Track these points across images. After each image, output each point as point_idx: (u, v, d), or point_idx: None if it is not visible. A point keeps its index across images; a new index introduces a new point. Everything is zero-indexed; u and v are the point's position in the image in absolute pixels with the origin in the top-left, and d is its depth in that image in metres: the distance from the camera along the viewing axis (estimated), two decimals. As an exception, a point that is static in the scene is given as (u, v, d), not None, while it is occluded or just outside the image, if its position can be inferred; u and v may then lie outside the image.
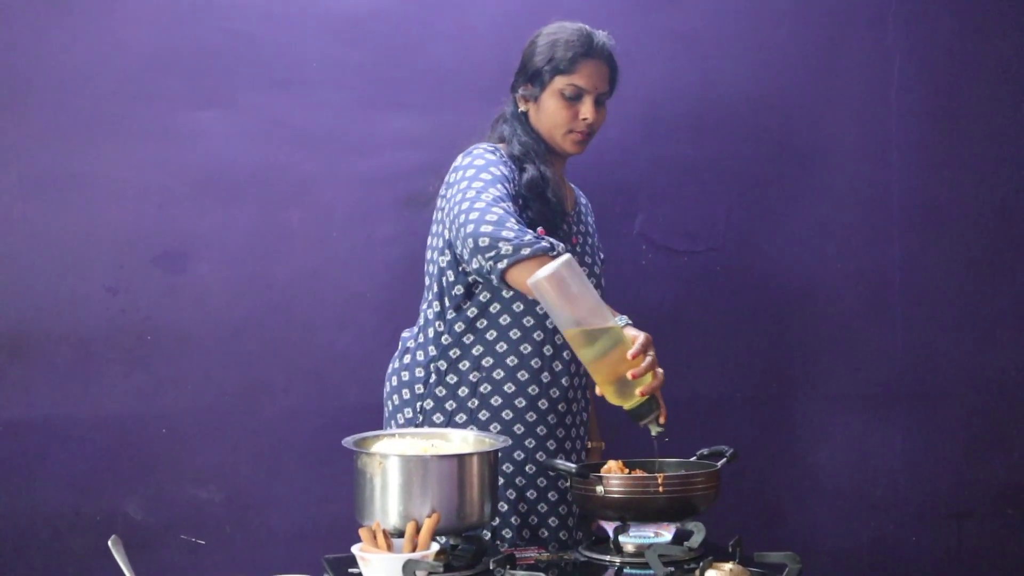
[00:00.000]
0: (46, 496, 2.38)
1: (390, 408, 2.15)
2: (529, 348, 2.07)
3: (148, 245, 2.45)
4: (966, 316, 2.76)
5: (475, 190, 1.94)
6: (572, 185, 2.31)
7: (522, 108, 2.19)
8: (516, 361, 2.07)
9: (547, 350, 2.08)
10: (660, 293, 2.66)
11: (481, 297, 2.08)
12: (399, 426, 2.10)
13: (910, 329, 2.74)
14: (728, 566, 1.54)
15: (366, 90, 2.53)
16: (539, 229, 1.96)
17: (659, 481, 1.73)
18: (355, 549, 1.61)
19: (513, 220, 1.86)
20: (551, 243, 1.85)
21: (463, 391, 2.07)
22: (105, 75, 2.43)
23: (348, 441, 1.79)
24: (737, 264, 2.69)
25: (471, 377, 2.07)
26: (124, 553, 1.57)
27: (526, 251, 1.81)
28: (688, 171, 2.68)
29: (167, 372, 2.44)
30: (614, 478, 1.75)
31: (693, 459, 1.92)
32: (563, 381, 2.10)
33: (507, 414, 2.06)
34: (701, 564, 1.55)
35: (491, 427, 2.05)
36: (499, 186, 1.97)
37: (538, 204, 2.07)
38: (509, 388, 2.06)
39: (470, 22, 2.59)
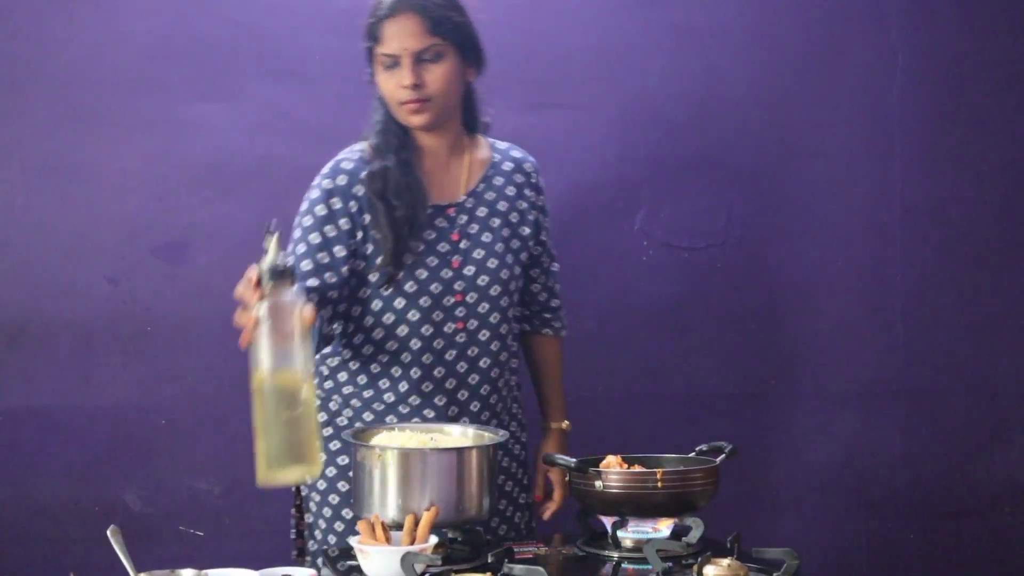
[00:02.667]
0: (45, 486, 2.38)
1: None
2: (407, 329, 1.98)
3: (149, 236, 2.45)
4: (966, 315, 2.76)
5: (294, 239, 1.98)
6: (497, 154, 2.11)
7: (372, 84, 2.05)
8: (395, 345, 1.99)
9: (425, 329, 1.98)
10: (660, 289, 2.66)
11: (359, 293, 2.01)
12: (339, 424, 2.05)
13: (910, 327, 2.74)
14: (726, 562, 1.54)
15: (367, 83, 2.53)
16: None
17: (658, 476, 1.73)
18: (354, 541, 1.61)
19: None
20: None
21: (348, 389, 2.04)
22: (107, 66, 2.43)
23: (347, 434, 1.80)
24: (738, 261, 2.69)
25: (352, 365, 2.02)
26: (123, 543, 1.57)
27: None
28: (689, 168, 2.68)
29: (167, 363, 2.44)
30: (613, 473, 1.75)
31: (692, 455, 1.92)
32: (447, 356, 1.99)
33: (388, 397, 2.00)
34: (699, 560, 1.55)
35: (377, 412, 2.00)
36: (308, 239, 1.95)
37: (380, 207, 1.94)
38: (396, 372, 1.99)
39: (471, 15, 2.58)
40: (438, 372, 1.99)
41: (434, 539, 1.62)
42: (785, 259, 2.72)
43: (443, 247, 2.00)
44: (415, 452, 1.68)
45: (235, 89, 2.48)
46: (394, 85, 1.95)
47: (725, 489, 1.86)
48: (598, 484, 1.74)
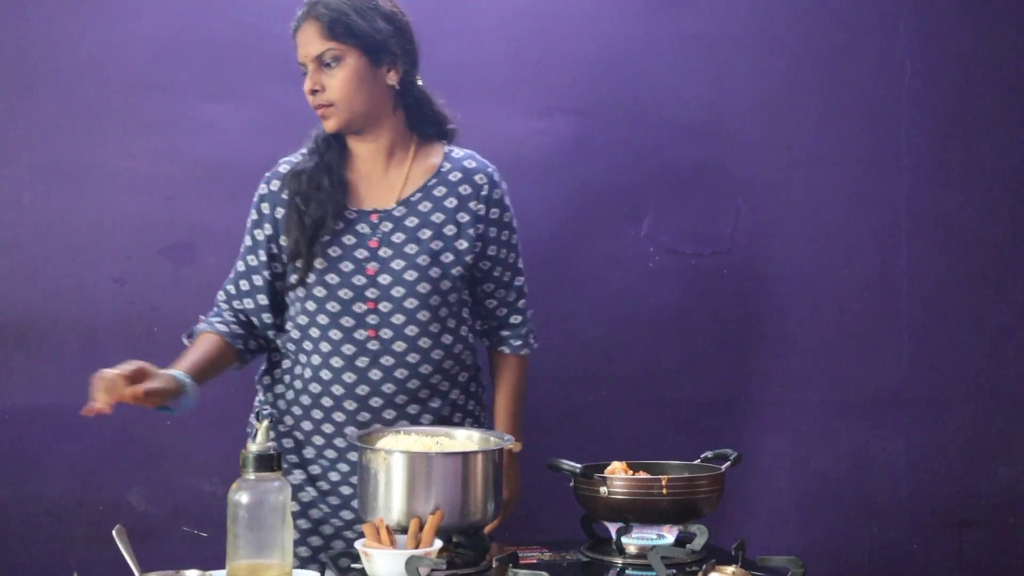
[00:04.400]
0: (50, 485, 2.39)
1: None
2: (317, 332, 1.98)
3: (156, 236, 2.45)
4: (972, 323, 2.76)
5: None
6: (442, 166, 2.05)
7: None
8: (310, 346, 2.00)
9: (334, 334, 1.97)
10: (666, 296, 2.66)
11: (291, 311, 2.04)
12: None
13: (916, 336, 2.74)
14: (731, 569, 1.54)
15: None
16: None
17: (663, 483, 1.72)
18: (358, 544, 1.61)
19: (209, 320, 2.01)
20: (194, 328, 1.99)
21: (280, 388, 2.06)
22: (115, 66, 2.44)
23: (353, 436, 1.80)
24: (744, 268, 2.69)
25: (287, 379, 2.04)
26: (128, 543, 1.57)
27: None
28: (696, 174, 2.68)
29: (172, 363, 2.44)
30: (618, 479, 1.75)
31: (697, 462, 1.92)
32: (358, 362, 1.97)
33: (327, 401, 1.99)
34: (704, 567, 1.55)
35: (314, 421, 2.01)
36: (246, 259, 2.05)
37: (294, 205, 1.98)
38: (308, 374, 2.00)
39: (480, 20, 2.59)
40: (351, 378, 1.97)
41: (438, 543, 1.62)
42: (791, 266, 2.72)
43: (361, 253, 1.98)
44: (420, 456, 1.67)
45: (243, 90, 2.48)
46: (307, 92, 1.97)
47: (730, 496, 1.86)
48: (603, 490, 1.74)
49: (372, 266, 1.97)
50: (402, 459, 1.66)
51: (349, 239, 1.98)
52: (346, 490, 2.00)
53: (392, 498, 1.66)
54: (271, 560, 1.42)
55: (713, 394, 2.67)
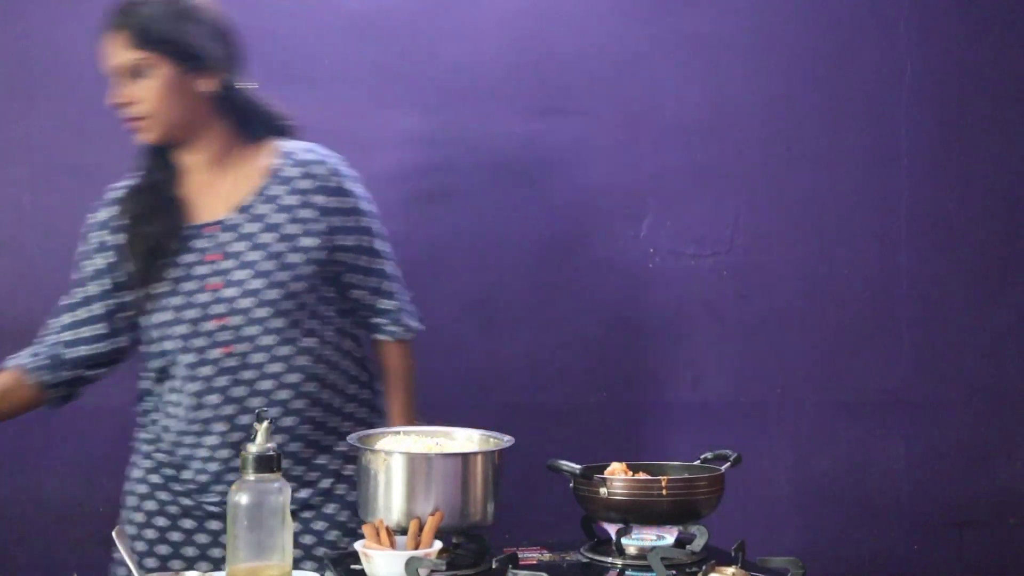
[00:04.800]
0: (50, 486, 2.39)
1: None
2: (172, 357, 1.91)
3: (156, 238, 2.45)
4: (972, 325, 2.76)
5: None
6: (276, 165, 1.95)
7: None
8: (168, 371, 1.93)
9: (187, 357, 1.89)
10: (666, 296, 2.66)
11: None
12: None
13: (915, 337, 2.74)
14: (730, 570, 1.54)
15: (375, 87, 2.54)
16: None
17: (663, 484, 1.72)
18: (358, 545, 1.61)
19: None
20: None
21: (153, 416, 2.01)
22: (116, 67, 2.44)
23: (352, 438, 1.80)
24: (743, 269, 2.69)
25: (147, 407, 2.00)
26: (128, 544, 1.57)
27: None
28: (696, 175, 2.68)
29: None
30: (617, 480, 1.75)
31: (697, 462, 1.91)
32: (216, 383, 1.88)
33: (196, 427, 1.91)
34: (704, 568, 1.54)
35: (189, 446, 1.93)
36: (74, 291, 1.97)
37: (131, 230, 1.91)
38: (175, 399, 1.93)
39: (480, 21, 2.59)
40: (215, 399, 1.89)
41: (438, 544, 1.62)
42: (791, 268, 2.72)
43: (201, 269, 1.89)
44: (420, 457, 1.67)
45: (244, 92, 2.48)
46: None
47: (730, 497, 1.86)
48: (603, 491, 1.74)
49: (214, 281, 1.88)
50: (402, 460, 1.66)
51: (188, 257, 1.89)
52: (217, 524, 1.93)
53: (392, 499, 1.66)
54: (271, 561, 1.42)
55: (713, 395, 2.67)
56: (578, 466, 1.79)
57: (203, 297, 1.88)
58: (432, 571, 1.53)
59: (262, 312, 1.87)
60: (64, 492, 2.39)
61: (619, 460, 1.86)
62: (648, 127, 2.65)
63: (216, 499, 1.92)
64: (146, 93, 1.85)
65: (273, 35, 2.50)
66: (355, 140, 2.52)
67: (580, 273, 2.61)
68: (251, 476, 1.43)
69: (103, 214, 1.97)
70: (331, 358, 1.96)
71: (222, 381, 1.88)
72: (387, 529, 1.63)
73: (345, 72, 2.52)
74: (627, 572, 1.70)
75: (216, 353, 1.88)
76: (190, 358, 1.89)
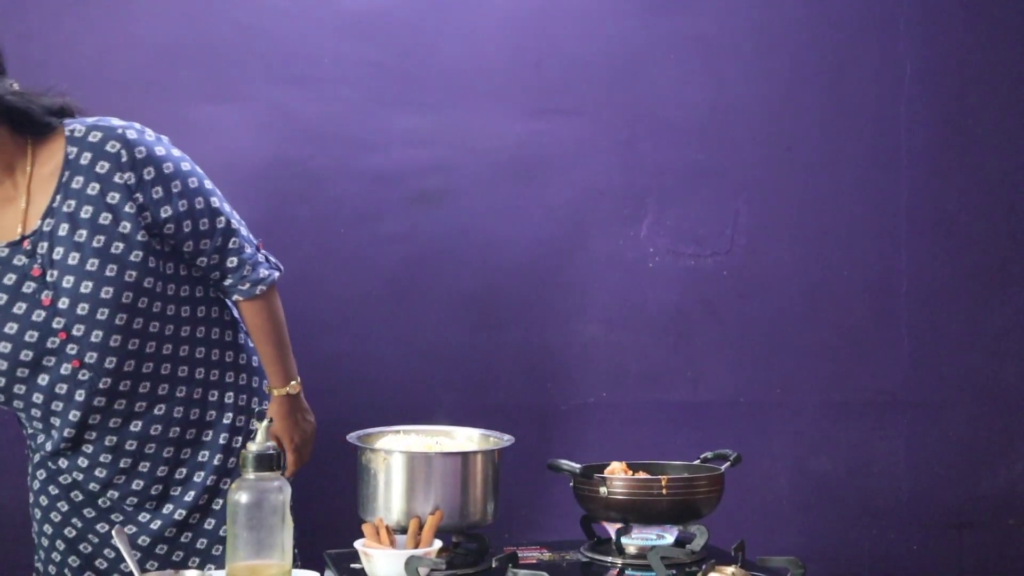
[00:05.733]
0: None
1: None
2: (23, 388, 1.80)
3: (156, 237, 2.45)
4: (972, 325, 2.76)
5: None
6: (68, 155, 1.76)
7: None
8: (29, 408, 1.83)
9: (42, 379, 1.79)
10: (666, 296, 2.66)
11: None
12: None
13: (915, 337, 2.74)
14: (730, 570, 1.54)
15: (377, 87, 2.54)
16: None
17: (663, 483, 1.73)
18: (358, 544, 1.61)
19: None
20: None
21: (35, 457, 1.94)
22: (117, 68, 2.44)
23: (352, 437, 1.80)
24: (744, 269, 2.69)
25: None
26: (128, 543, 1.58)
27: None
28: (696, 175, 2.68)
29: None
30: (617, 479, 1.75)
31: (697, 462, 1.92)
32: (77, 398, 1.79)
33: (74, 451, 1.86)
34: (704, 567, 1.55)
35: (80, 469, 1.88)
36: None
37: None
38: (61, 430, 1.84)
39: (480, 21, 2.59)
40: (92, 419, 1.81)
41: (438, 543, 1.62)
42: (791, 268, 2.72)
43: (28, 287, 1.75)
44: (420, 456, 1.68)
45: (244, 92, 2.49)
46: None
47: (729, 497, 1.86)
48: (603, 490, 1.74)
49: (46, 295, 1.74)
50: (402, 459, 1.67)
51: (10, 278, 1.75)
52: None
53: (392, 498, 1.66)
54: (271, 560, 1.42)
55: (713, 395, 2.67)
56: (578, 465, 1.79)
57: (39, 315, 1.75)
58: (432, 570, 1.53)
59: (102, 314, 1.74)
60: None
61: (619, 459, 1.87)
62: (648, 127, 2.65)
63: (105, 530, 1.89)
64: None
65: (274, 34, 2.50)
66: (356, 138, 2.53)
67: (580, 272, 2.61)
68: (251, 475, 1.43)
69: None
70: (190, 338, 1.87)
71: (82, 395, 1.79)
72: (387, 528, 1.63)
73: (346, 70, 2.52)
74: (627, 571, 1.70)
75: (68, 368, 1.77)
76: (43, 380, 1.79)
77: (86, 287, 1.73)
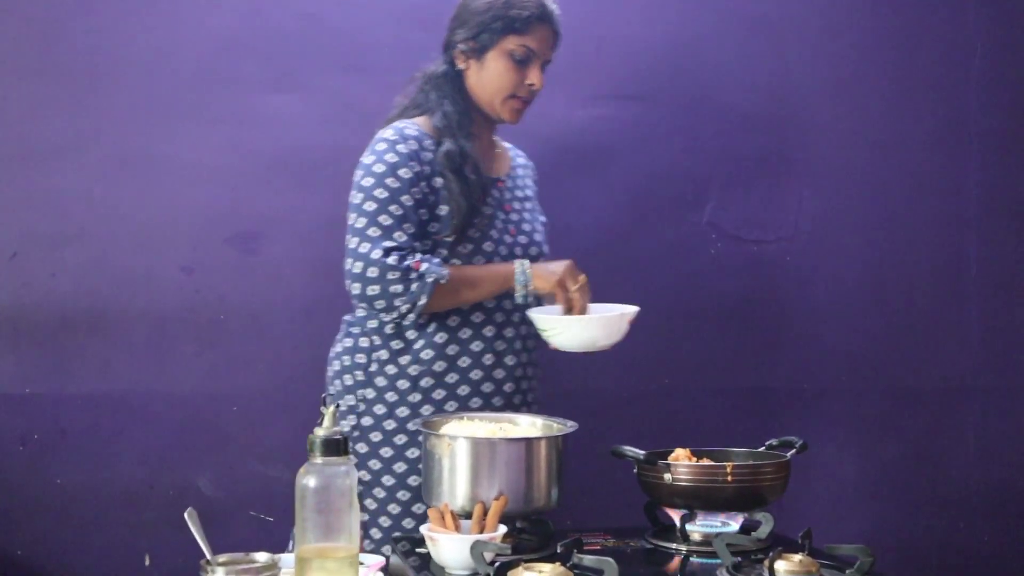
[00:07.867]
0: (122, 470, 2.44)
1: (333, 392, 2.09)
2: (469, 332, 2.05)
3: (222, 226, 2.49)
4: (1045, 311, 2.70)
5: (361, 224, 1.96)
6: (507, 146, 2.25)
7: (460, 66, 2.11)
8: (457, 349, 2.04)
9: (488, 331, 2.06)
10: (728, 283, 2.63)
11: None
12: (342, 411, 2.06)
13: (986, 322, 2.69)
14: (798, 557, 1.52)
15: (442, 68, 2.54)
16: (415, 261, 1.93)
17: (728, 470, 1.71)
18: (424, 529, 1.63)
19: (392, 270, 1.91)
20: (434, 272, 1.93)
21: (403, 383, 2.03)
22: (182, 60, 2.48)
23: (417, 422, 1.81)
24: (807, 255, 2.66)
25: (411, 371, 2.03)
26: (199, 525, 1.60)
27: (423, 300, 1.92)
28: (759, 160, 2.65)
29: (239, 351, 2.48)
30: (682, 466, 1.74)
31: (762, 449, 1.90)
32: (507, 360, 2.08)
33: (451, 406, 2.03)
34: (770, 555, 1.53)
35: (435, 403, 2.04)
36: (389, 210, 1.96)
37: (455, 179, 2.03)
38: (451, 378, 2.03)
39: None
40: (508, 333, 2.09)
41: (503, 529, 1.63)
42: (856, 254, 2.68)
43: (501, 216, 2.11)
44: (484, 441, 1.68)
45: (306, 81, 2.51)
46: (518, 80, 2.07)
47: (795, 484, 1.84)
48: (667, 477, 1.73)
49: (512, 227, 2.13)
50: (466, 445, 1.68)
51: (488, 207, 2.09)
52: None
53: (456, 484, 1.67)
54: (338, 543, 1.44)
55: (777, 382, 2.64)
56: (642, 452, 1.79)
57: (508, 239, 2.10)
58: (497, 555, 1.53)
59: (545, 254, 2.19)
60: (135, 476, 2.45)
61: (683, 446, 1.86)
62: (710, 112, 2.62)
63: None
64: (541, 83, 2.09)
65: (336, 24, 2.52)
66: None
67: (642, 259, 2.60)
68: (319, 459, 1.45)
69: (412, 144, 2.04)
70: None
71: (512, 331, 2.10)
72: (452, 513, 1.64)
73: (404, 60, 2.50)
74: (691, 558, 1.69)
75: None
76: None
77: (537, 235, 2.20)
